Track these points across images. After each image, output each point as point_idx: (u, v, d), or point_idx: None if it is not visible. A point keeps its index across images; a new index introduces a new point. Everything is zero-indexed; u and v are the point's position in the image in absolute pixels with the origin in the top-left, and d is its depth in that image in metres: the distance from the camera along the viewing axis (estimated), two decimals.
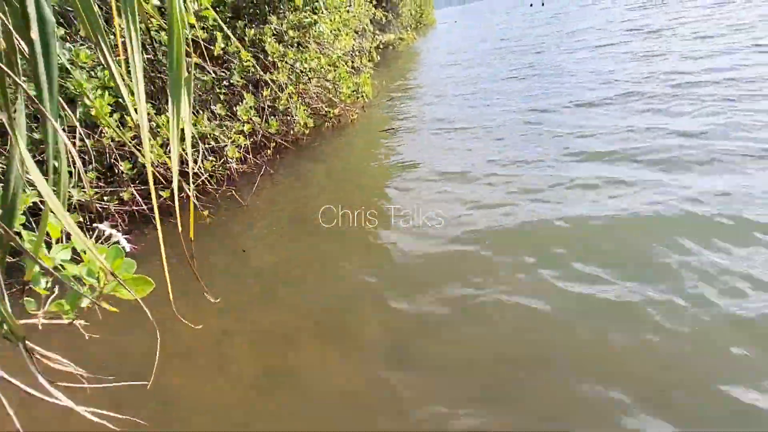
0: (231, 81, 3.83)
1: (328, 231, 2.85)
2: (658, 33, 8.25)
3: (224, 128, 3.72)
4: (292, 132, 4.50)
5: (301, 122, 4.46)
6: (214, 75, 3.75)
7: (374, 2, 14.51)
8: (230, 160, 3.59)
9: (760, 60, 5.13)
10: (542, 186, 3.04)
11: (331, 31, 5.86)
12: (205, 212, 3.33)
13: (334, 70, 5.25)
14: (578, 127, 4.14)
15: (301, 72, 5.12)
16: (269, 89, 4.45)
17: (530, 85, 6.10)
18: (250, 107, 4.01)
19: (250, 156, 4.20)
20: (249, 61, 3.78)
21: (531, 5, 41.29)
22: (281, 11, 5.12)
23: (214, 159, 3.55)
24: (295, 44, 5.03)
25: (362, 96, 5.35)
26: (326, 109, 5.19)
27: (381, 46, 12.53)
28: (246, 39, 4.32)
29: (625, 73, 5.63)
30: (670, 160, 3.08)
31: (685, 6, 11.96)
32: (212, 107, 3.69)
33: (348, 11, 8.71)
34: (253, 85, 4.60)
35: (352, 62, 6.78)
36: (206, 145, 3.53)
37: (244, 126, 3.81)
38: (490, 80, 7.04)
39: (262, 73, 4.38)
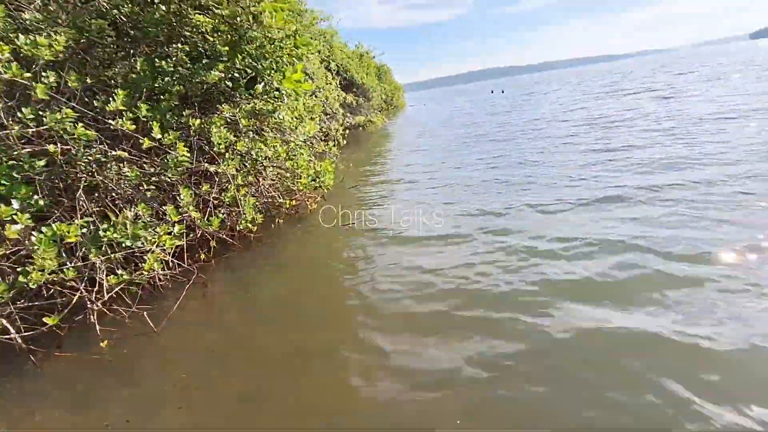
0: (164, 176, 3.31)
1: (276, 396, 2.13)
2: (615, 124, 8.61)
3: (148, 231, 3.11)
4: (238, 228, 3.94)
5: (248, 217, 3.93)
6: (140, 170, 3.23)
7: (343, 85, 15.15)
8: (152, 270, 2.94)
9: (713, 156, 5.17)
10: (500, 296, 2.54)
11: (293, 118, 5.63)
12: (104, 342, 2.59)
13: (292, 158, 4.88)
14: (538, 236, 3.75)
15: (255, 161, 4.71)
16: (213, 183, 3.96)
17: (496, 176, 5.89)
18: (187, 203, 3.46)
19: (186, 257, 3.57)
20: (184, 156, 3.30)
21: (492, 92, 45.23)
22: (237, 99, 4.85)
23: (127, 270, 2.89)
24: (251, 132, 4.68)
25: (322, 186, 4.95)
26: (280, 200, 4.72)
27: (351, 128, 12.72)
28: (192, 129, 3.90)
29: (589, 170, 5.54)
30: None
31: (638, 99, 12.96)
32: (134, 208, 3.11)
33: (315, 96, 8.77)
34: (199, 177, 4.11)
35: (316, 146, 6.54)
36: (120, 252, 2.88)
37: (174, 227, 3.22)
38: (455, 170, 6.86)
39: (207, 165, 3.91)
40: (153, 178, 3.29)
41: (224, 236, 4.01)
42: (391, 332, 2.44)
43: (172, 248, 3.18)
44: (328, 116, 10.91)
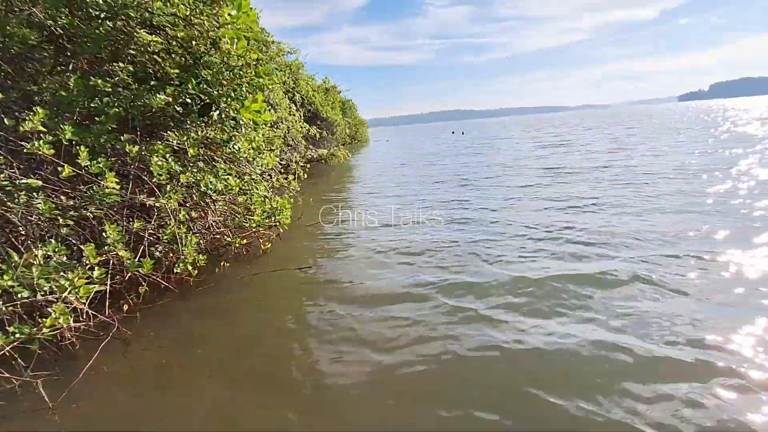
0: (85, 210, 2.83)
1: None
2: (571, 174, 8.96)
3: (59, 276, 2.58)
4: (176, 270, 3.44)
5: (188, 259, 3.45)
6: (55, 203, 2.73)
7: (307, 117, 14.98)
8: (57, 326, 2.39)
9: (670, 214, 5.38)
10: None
11: (249, 150, 5.28)
12: None
13: (246, 193, 4.48)
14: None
15: (203, 194, 4.27)
16: (150, 218, 3.48)
17: (457, 225, 5.72)
18: (115, 241, 2.97)
19: (108, 305, 3.01)
20: (112, 188, 2.84)
21: (453, 132, 47.17)
22: (186, 125, 4.45)
23: (27, 323, 2.33)
24: (200, 163, 4.27)
25: (278, 224, 4.56)
26: (228, 238, 4.27)
27: (313, 161, 12.45)
28: (129, 156, 3.45)
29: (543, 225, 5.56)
30: None
31: (589, 150, 13.75)
32: (44, 247, 2.59)
33: (276, 128, 8.46)
34: (134, 211, 3.61)
35: (274, 180, 6.17)
36: (12, 304, 2.33)
37: (93, 270, 2.70)
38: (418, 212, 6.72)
39: (144, 198, 3.44)
40: (72, 212, 2.79)
41: (158, 280, 3.49)
42: (341, 400, 2.07)
43: (88, 296, 2.66)
44: (290, 147, 10.61)
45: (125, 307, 2.96)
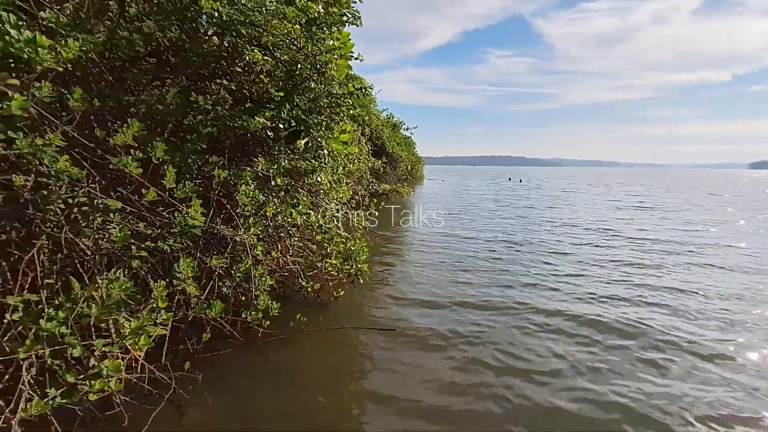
0: (159, 244, 2.41)
1: None
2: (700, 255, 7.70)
3: (120, 315, 2.14)
4: (247, 318, 2.93)
5: (260, 306, 2.94)
6: (132, 229, 2.34)
7: (373, 151, 14.81)
8: (106, 390, 1.91)
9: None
10: None
11: (329, 182, 4.88)
12: None
13: (327, 231, 4.00)
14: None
15: (279, 227, 3.85)
16: (224, 254, 3.05)
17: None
18: (186, 278, 2.53)
19: (164, 351, 2.54)
20: (197, 219, 2.42)
21: (510, 179, 45.83)
22: (275, 152, 4.12)
23: (71, 373, 1.87)
24: (282, 193, 3.88)
25: (356, 272, 4.00)
26: (302, 282, 3.75)
27: (375, 195, 12.10)
28: (215, 181, 3.10)
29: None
30: None
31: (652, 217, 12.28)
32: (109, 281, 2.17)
33: (356, 161, 8.16)
34: (209, 243, 3.22)
35: (347, 215, 5.72)
36: (69, 354, 1.88)
37: (158, 314, 2.25)
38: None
39: (222, 227, 3.04)
40: (147, 243, 2.38)
41: (223, 324, 3.00)
42: None
43: (147, 346, 2.18)
44: (356, 180, 10.32)
45: (187, 365, 2.46)
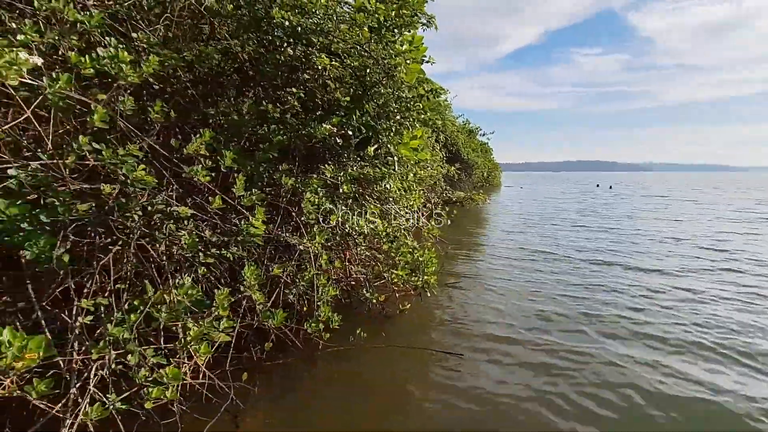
0: (224, 251, 2.43)
1: None
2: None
3: (186, 320, 2.18)
4: (308, 329, 2.86)
5: (321, 317, 2.86)
6: (197, 235, 2.38)
7: (447, 158, 14.42)
8: (165, 398, 1.93)
9: None
10: None
11: (399, 189, 4.73)
12: None
13: (394, 240, 3.84)
14: None
15: (346, 236, 3.77)
16: (290, 262, 3.03)
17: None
18: (251, 285, 2.53)
19: (229, 359, 2.57)
20: (257, 227, 2.40)
21: (598, 185, 41.88)
22: (344, 159, 4.08)
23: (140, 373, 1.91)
24: (349, 200, 3.80)
25: (423, 284, 3.76)
26: (366, 292, 3.62)
27: (449, 203, 11.74)
28: (283, 189, 3.10)
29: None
30: None
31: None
32: (177, 284, 2.22)
33: (428, 167, 7.95)
34: (274, 250, 3.24)
35: (415, 223, 5.52)
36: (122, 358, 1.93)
37: (220, 321, 2.25)
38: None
39: (286, 236, 3.02)
40: (214, 250, 2.42)
41: (286, 333, 2.97)
42: None
43: (208, 355, 2.19)
44: (429, 187, 10.09)
45: (244, 376, 2.44)
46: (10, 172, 2.04)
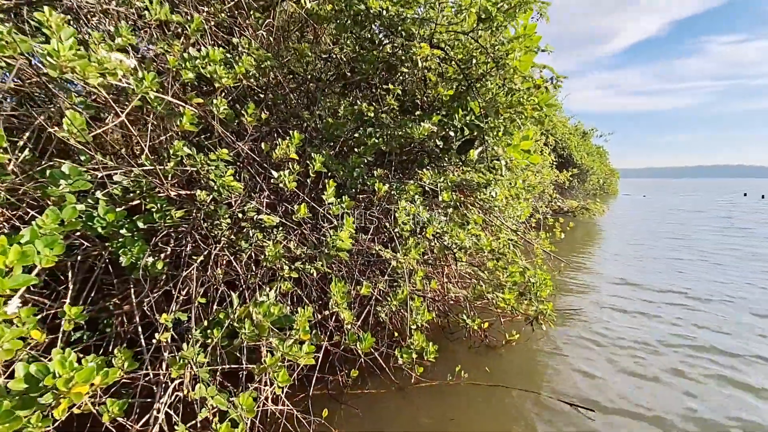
0: (307, 266, 2.19)
1: None
2: None
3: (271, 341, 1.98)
4: (399, 359, 2.49)
5: (414, 346, 2.46)
6: (284, 247, 2.18)
7: (557, 163, 12.88)
8: None
9: None
10: None
11: (505, 197, 4.15)
12: None
13: (501, 256, 3.30)
14: None
15: (446, 249, 3.34)
16: (381, 279, 2.72)
17: None
18: (338, 303, 2.27)
19: (311, 389, 2.33)
20: (345, 240, 2.10)
21: (745, 194, 34.32)
22: (444, 164, 3.67)
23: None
24: (449, 209, 3.37)
25: (537, 314, 3.12)
26: (467, 318, 3.12)
27: (559, 212, 10.48)
28: (376, 196, 2.81)
29: None
30: None
31: None
32: (264, 295, 2.04)
33: (537, 173, 7.07)
34: (365, 263, 2.96)
35: (523, 236, 4.83)
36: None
37: (302, 346, 2.00)
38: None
39: (379, 248, 2.71)
40: (298, 264, 2.20)
41: (377, 358, 2.65)
42: None
43: (286, 383, 1.95)
44: (536, 195, 9.08)
45: (324, 413, 2.15)
46: (116, 177, 2.07)
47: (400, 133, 2.86)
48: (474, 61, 3.14)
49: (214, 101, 2.20)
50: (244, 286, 2.34)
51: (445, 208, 3.33)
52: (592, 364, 3.07)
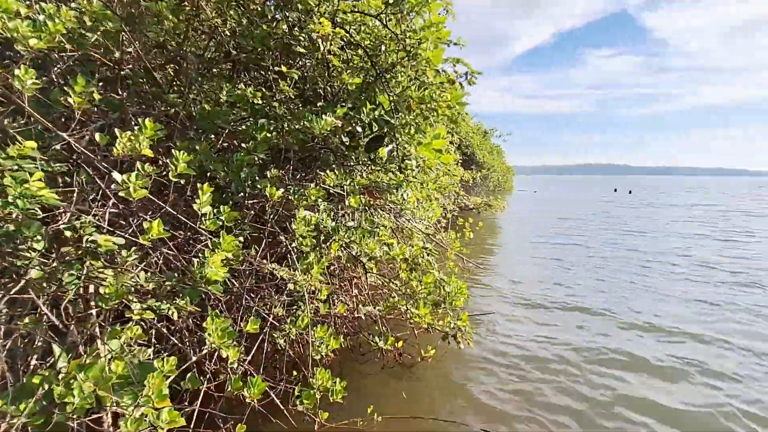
0: (163, 306, 1.61)
1: None
2: None
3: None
4: (299, 405, 2.03)
5: (317, 386, 2.03)
6: (131, 279, 1.58)
7: (462, 161, 13.45)
8: None
9: None
10: None
11: (418, 200, 3.91)
12: None
13: (411, 269, 3.02)
14: None
15: (354, 260, 2.96)
16: (276, 302, 2.24)
17: None
18: (219, 341, 1.72)
19: None
20: (217, 270, 1.58)
21: (615, 190, 40.46)
22: (351, 164, 3.27)
23: None
24: (357, 214, 3.00)
25: (454, 331, 2.89)
26: (379, 340, 2.78)
27: (464, 209, 10.85)
28: (269, 203, 2.30)
29: None
30: None
31: None
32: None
33: (447, 173, 7.03)
34: (256, 284, 2.44)
35: (434, 238, 4.69)
36: None
37: (160, 413, 1.44)
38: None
39: (275, 269, 2.21)
40: (151, 301, 1.60)
41: (272, 397, 2.16)
42: None
43: None
44: (446, 195, 9.22)
45: None
46: None
47: (297, 126, 2.39)
48: (384, 48, 2.80)
49: (17, 71, 1.50)
50: (76, 335, 1.68)
51: (353, 213, 2.95)
52: (507, 375, 2.96)
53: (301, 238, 2.16)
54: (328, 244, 2.70)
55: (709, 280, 5.79)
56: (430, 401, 2.56)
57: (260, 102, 2.35)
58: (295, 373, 2.28)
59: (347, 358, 2.95)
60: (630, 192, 35.20)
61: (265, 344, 2.40)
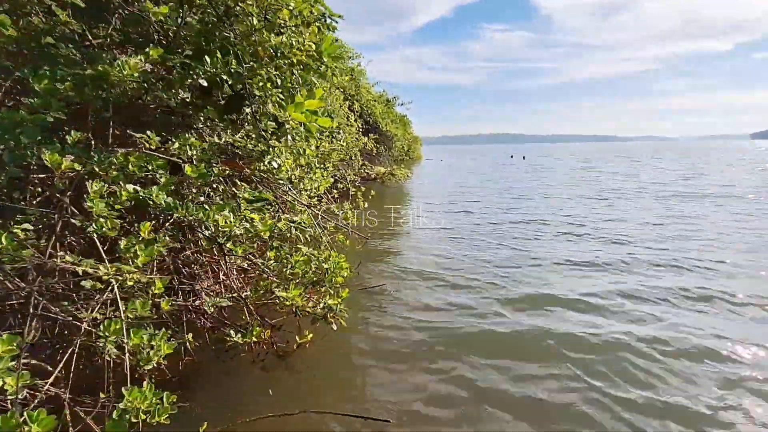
0: None
1: None
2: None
3: None
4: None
5: (134, 404, 1.59)
6: None
7: (364, 129, 13.12)
8: None
9: None
10: None
11: (294, 168, 3.51)
12: None
13: (279, 248, 2.65)
14: None
15: (211, 241, 2.50)
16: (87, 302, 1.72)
17: None
18: None
19: None
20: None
21: (511, 156, 44.13)
22: (198, 126, 2.72)
23: None
24: (205, 188, 2.51)
25: (326, 312, 2.59)
26: (234, 335, 2.38)
27: (367, 179, 10.67)
28: (56, 176, 1.70)
29: None
30: None
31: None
32: None
33: (334, 139, 6.57)
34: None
35: (323, 206, 4.36)
36: None
37: None
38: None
39: (74, 263, 1.67)
40: None
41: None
42: None
43: None
44: (344, 163, 8.87)
45: None
46: None
47: (91, 72, 1.78)
48: None
49: None
50: None
51: (201, 187, 2.44)
52: (387, 355, 2.80)
53: (99, 219, 1.63)
54: (168, 225, 2.20)
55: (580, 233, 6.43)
56: (302, 394, 2.27)
57: (13, 34, 1.69)
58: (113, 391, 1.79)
59: (205, 357, 2.51)
60: (524, 158, 38.66)
61: (77, 358, 1.87)
